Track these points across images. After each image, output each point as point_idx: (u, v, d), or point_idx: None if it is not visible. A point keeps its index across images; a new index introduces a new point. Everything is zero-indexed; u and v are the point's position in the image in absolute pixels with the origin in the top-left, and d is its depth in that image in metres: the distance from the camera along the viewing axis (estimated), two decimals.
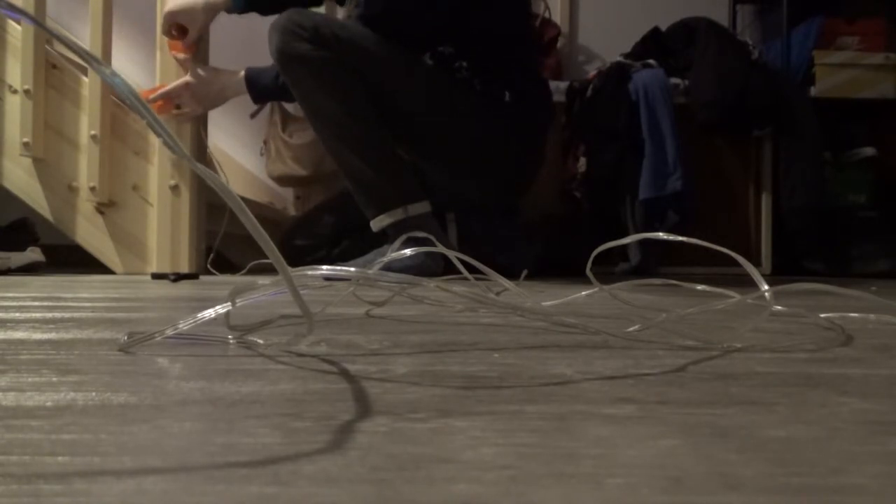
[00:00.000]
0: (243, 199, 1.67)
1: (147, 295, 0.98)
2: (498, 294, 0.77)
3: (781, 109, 2.16)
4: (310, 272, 0.46)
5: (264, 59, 1.52)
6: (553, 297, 0.76)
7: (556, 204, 2.23)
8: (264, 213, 2.19)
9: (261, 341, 0.47)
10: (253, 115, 1.98)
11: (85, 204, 1.66)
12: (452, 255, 0.62)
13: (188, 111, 1.62)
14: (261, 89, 1.59)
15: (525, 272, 1.08)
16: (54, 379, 0.34)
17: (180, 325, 0.43)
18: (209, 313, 0.44)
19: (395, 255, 0.68)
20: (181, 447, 0.23)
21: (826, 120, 2.19)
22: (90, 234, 1.67)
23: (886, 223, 2.21)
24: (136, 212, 1.66)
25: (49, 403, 0.29)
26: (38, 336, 0.51)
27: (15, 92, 1.65)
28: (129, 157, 1.67)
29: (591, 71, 2.39)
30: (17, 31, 1.65)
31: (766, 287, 0.49)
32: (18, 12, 0.33)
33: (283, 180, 2.39)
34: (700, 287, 0.76)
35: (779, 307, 0.59)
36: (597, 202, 2.14)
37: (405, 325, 0.60)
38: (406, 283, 0.45)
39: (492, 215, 1.67)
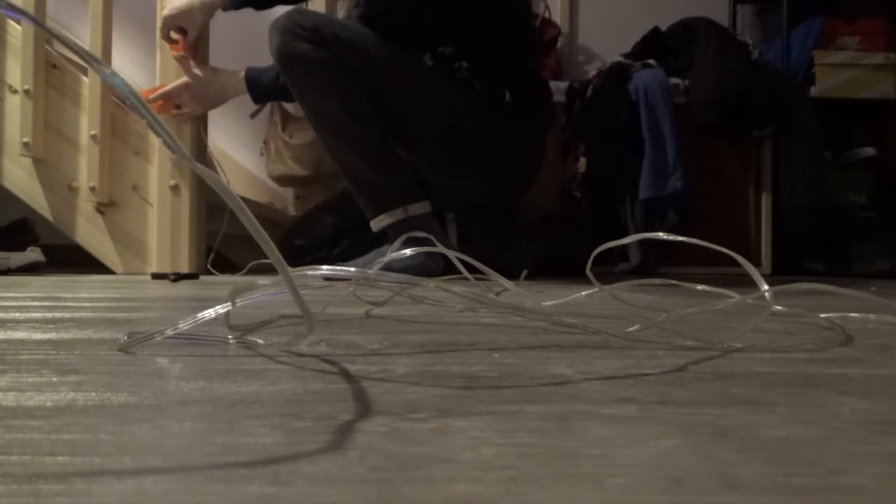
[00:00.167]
0: (243, 199, 1.66)
1: (147, 295, 0.98)
2: (498, 294, 0.77)
3: (781, 109, 2.16)
4: (310, 272, 0.46)
5: (264, 59, 1.52)
6: (553, 297, 0.76)
7: (556, 204, 2.23)
8: (264, 213, 2.18)
9: (261, 341, 0.47)
10: (253, 115, 1.98)
11: (85, 204, 1.66)
12: (452, 255, 0.62)
13: (188, 111, 1.62)
14: (261, 89, 1.59)
15: (525, 272, 1.08)
16: (54, 379, 0.34)
17: (180, 325, 0.43)
18: (209, 313, 0.44)
19: (395, 255, 0.68)
20: (181, 447, 0.23)
21: (826, 120, 2.19)
22: (90, 234, 1.67)
23: (886, 223, 2.21)
24: (136, 212, 1.66)
25: (49, 403, 0.29)
26: (38, 336, 0.51)
27: (15, 92, 1.65)
28: (129, 157, 1.67)
29: (591, 71, 2.39)
30: (17, 31, 1.65)
31: (766, 287, 0.49)
32: (18, 12, 0.33)
33: (283, 180, 2.39)
34: (700, 287, 0.76)
35: (779, 307, 0.59)
36: (597, 202, 2.14)
37: (405, 325, 0.60)
38: (406, 283, 0.45)
39: (492, 215, 1.67)
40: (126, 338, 0.45)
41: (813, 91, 2.25)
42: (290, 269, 0.36)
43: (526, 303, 0.56)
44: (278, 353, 0.43)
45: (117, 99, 1.67)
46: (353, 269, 0.45)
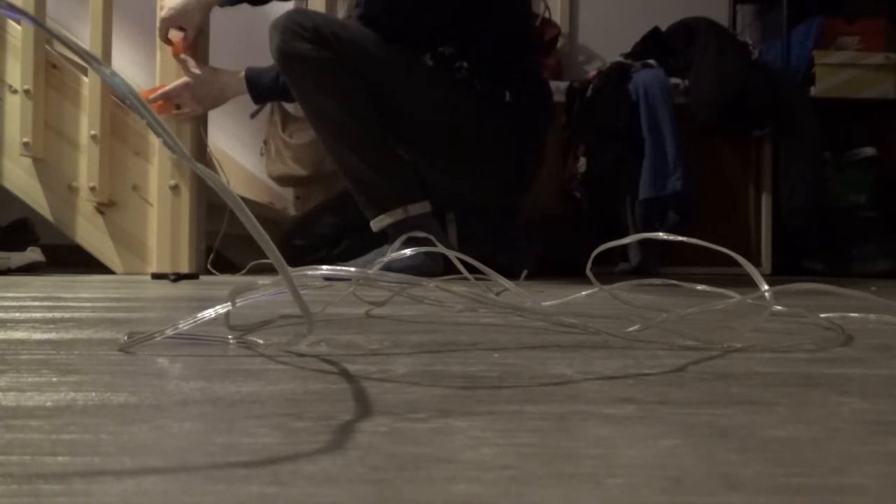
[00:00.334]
0: (243, 199, 1.67)
1: (147, 295, 0.98)
2: (498, 294, 0.77)
3: (781, 109, 2.16)
4: (310, 272, 0.46)
5: (264, 58, 1.52)
6: (553, 297, 0.76)
7: (556, 204, 2.23)
8: (264, 213, 2.18)
9: (261, 341, 0.47)
10: (253, 115, 1.98)
11: (85, 204, 1.66)
12: (452, 255, 0.62)
13: (188, 111, 1.62)
14: (261, 89, 1.59)
15: (525, 272, 1.08)
16: (54, 379, 0.34)
17: (180, 325, 0.43)
18: (209, 313, 0.44)
19: (395, 255, 0.68)
20: (181, 447, 0.23)
21: (826, 120, 2.19)
22: (90, 234, 1.67)
23: (886, 223, 2.21)
24: (136, 212, 1.66)
25: (49, 403, 0.29)
26: (38, 336, 0.51)
27: (15, 92, 1.65)
28: (129, 157, 1.67)
29: (591, 71, 2.39)
30: (17, 31, 1.65)
31: (766, 287, 0.49)
32: (18, 12, 0.33)
33: (283, 180, 2.39)
34: (700, 287, 0.76)
35: (779, 307, 0.59)
36: (597, 202, 2.14)
37: (405, 325, 0.60)
38: (406, 283, 0.45)
39: (492, 215, 1.67)
40: (126, 338, 0.45)
41: (813, 91, 2.25)
42: (290, 269, 0.36)
43: (526, 303, 0.56)
44: (278, 353, 0.43)
45: (117, 99, 1.67)
46: (353, 269, 0.45)
